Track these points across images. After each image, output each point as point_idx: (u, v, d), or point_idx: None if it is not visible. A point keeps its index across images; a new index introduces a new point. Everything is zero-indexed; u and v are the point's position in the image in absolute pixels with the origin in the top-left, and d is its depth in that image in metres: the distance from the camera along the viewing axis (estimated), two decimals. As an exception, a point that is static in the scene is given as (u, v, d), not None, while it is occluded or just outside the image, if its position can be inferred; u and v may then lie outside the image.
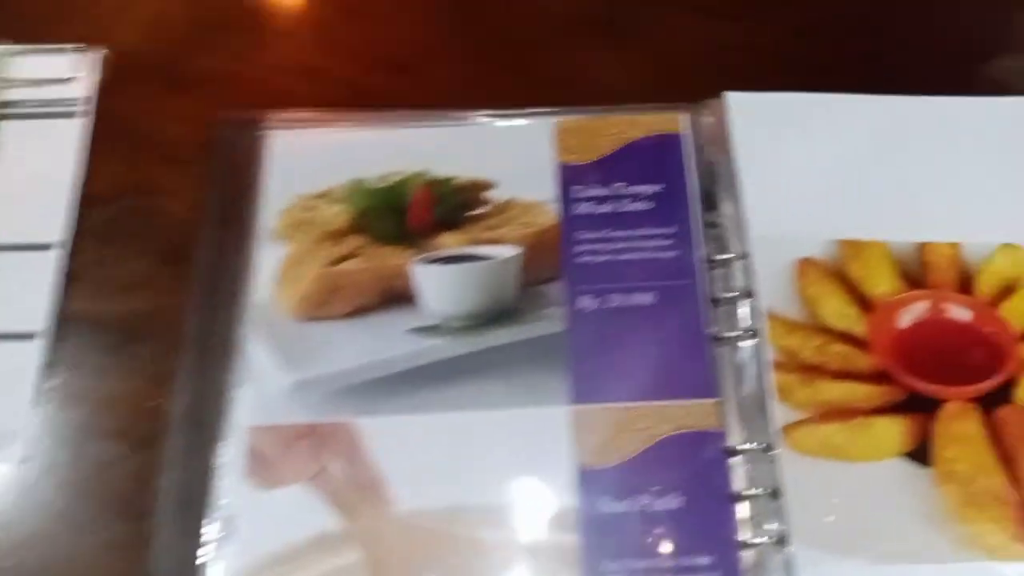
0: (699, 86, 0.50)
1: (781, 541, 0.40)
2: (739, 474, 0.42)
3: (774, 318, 0.45)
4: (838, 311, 0.45)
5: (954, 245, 0.47)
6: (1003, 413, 0.43)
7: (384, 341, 0.44)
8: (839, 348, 0.44)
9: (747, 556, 0.40)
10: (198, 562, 0.40)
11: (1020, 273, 0.46)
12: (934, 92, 0.51)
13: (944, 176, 0.48)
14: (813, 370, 0.44)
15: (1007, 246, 0.47)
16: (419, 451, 0.42)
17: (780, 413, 0.43)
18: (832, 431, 0.43)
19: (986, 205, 0.48)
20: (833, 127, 0.49)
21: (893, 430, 0.43)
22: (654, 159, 0.48)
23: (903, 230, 0.47)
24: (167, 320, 0.46)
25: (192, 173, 0.49)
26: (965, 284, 0.46)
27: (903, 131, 0.49)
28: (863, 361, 0.44)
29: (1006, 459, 0.43)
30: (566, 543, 0.40)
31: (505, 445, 0.42)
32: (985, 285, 0.46)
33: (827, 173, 0.48)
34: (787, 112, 0.49)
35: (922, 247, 0.47)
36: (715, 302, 0.45)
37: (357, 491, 0.41)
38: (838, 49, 0.54)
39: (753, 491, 0.41)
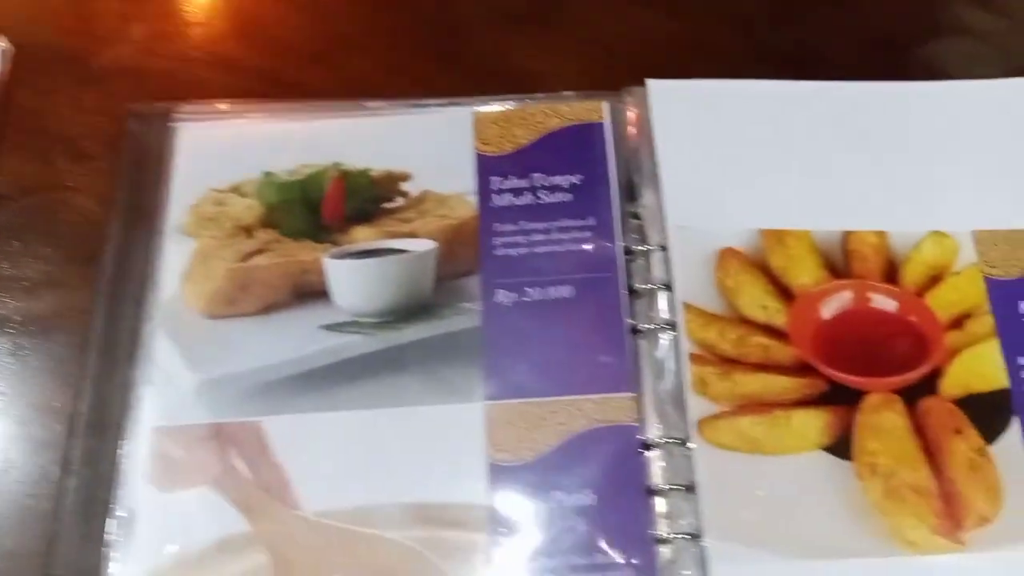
0: (625, 74, 0.49)
1: (696, 536, 0.40)
2: (656, 469, 0.41)
3: (692, 310, 0.44)
4: (758, 302, 0.44)
5: (881, 233, 0.46)
6: (927, 404, 0.43)
7: (295, 338, 0.43)
8: (759, 340, 0.43)
9: (663, 552, 0.39)
10: (100, 565, 0.39)
11: (948, 261, 0.46)
12: (867, 78, 0.50)
13: (871, 163, 0.47)
14: (731, 363, 0.43)
15: (935, 234, 0.46)
16: (329, 450, 0.41)
17: (696, 406, 0.42)
18: (749, 424, 0.42)
19: (915, 192, 0.47)
20: (757, 114, 0.48)
21: (813, 423, 0.42)
22: (574, 149, 0.47)
23: (828, 219, 0.46)
24: (73, 319, 0.44)
25: (101, 169, 0.48)
26: (891, 273, 0.45)
27: (829, 117, 0.48)
28: (783, 353, 0.43)
29: (929, 451, 0.42)
30: (477, 541, 0.39)
31: (417, 443, 0.41)
32: (912, 274, 0.45)
33: (750, 161, 0.47)
34: (710, 99, 0.48)
35: (847, 236, 0.46)
36: (635, 294, 0.45)
37: (263, 492, 0.40)
38: (767, 36, 0.53)
39: (669, 486, 0.40)
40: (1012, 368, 0.43)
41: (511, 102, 0.48)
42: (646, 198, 0.46)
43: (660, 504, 0.40)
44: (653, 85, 0.48)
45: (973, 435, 0.42)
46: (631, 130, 0.48)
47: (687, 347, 0.43)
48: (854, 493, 0.41)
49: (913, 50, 0.53)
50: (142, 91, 0.49)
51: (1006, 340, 0.44)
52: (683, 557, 0.39)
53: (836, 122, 0.48)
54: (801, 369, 0.43)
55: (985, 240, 0.46)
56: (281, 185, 0.46)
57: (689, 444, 0.41)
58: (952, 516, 0.40)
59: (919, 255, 0.45)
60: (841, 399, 0.42)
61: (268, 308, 0.44)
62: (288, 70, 0.50)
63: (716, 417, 0.42)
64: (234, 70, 0.50)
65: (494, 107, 0.48)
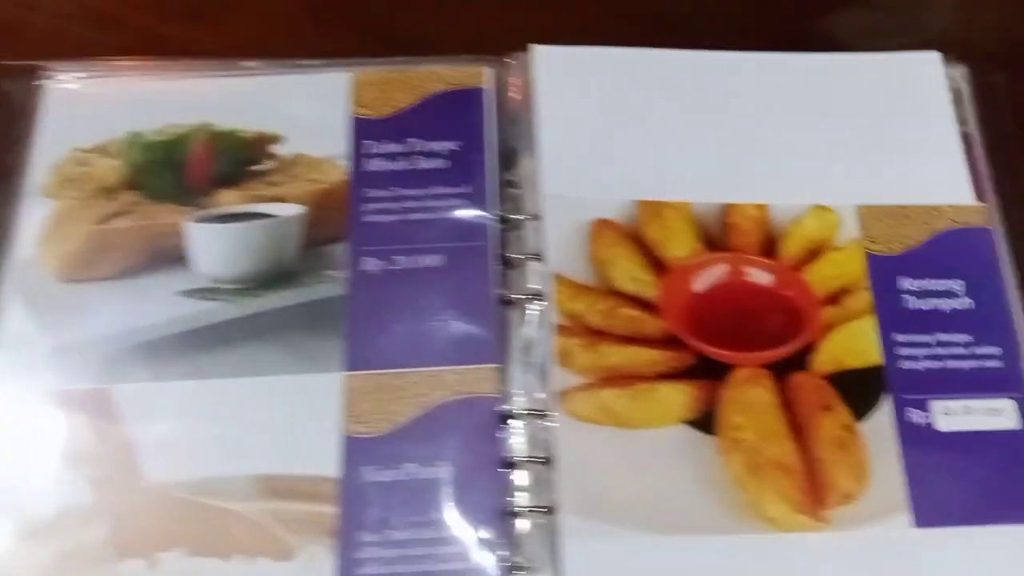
0: (515, 38, 0.48)
1: (552, 511, 0.39)
2: (517, 441, 0.40)
3: (562, 281, 0.42)
4: (630, 274, 0.43)
5: (761, 206, 0.45)
6: (797, 380, 0.42)
7: (151, 304, 0.41)
8: (628, 312, 0.42)
9: (519, 526, 0.38)
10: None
11: (830, 236, 0.45)
12: (767, 49, 0.49)
13: (756, 135, 0.46)
14: (599, 335, 0.42)
15: (818, 208, 0.45)
16: (179, 420, 0.40)
17: (560, 378, 0.41)
18: (612, 396, 0.41)
19: (799, 165, 0.46)
20: (642, 83, 0.47)
21: (677, 396, 0.41)
22: (454, 114, 0.45)
23: (709, 191, 0.45)
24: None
25: (-32, 128, 0.47)
26: (770, 247, 0.44)
27: (716, 88, 0.47)
28: (652, 325, 0.42)
29: (796, 427, 0.41)
30: (324, 514, 0.38)
31: (271, 414, 0.40)
32: (791, 248, 0.44)
33: (633, 130, 0.46)
34: (595, 67, 0.47)
35: (727, 208, 0.45)
36: (509, 264, 0.43)
37: (109, 462, 0.39)
38: (663, 3, 0.51)
39: (527, 458, 0.40)
40: (887, 345, 0.42)
41: (392, 65, 0.47)
42: (524, 166, 0.45)
43: (521, 477, 0.40)
44: (537, 50, 0.47)
45: (842, 412, 0.41)
46: (513, 96, 0.46)
47: (554, 318, 0.42)
48: (716, 468, 0.40)
49: (815, 21, 0.52)
50: (16, 48, 0.48)
51: (883, 316, 0.43)
52: (538, 532, 0.38)
53: (722, 93, 0.47)
54: (669, 342, 0.42)
55: (868, 215, 0.45)
56: (147, 145, 0.44)
57: (549, 416, 0.41)
58: (815, 493, 0.40)
59: (800, 229, 0.44)
60: (709, 373, 0.41)
61: (125, 272, 0.42)
62: (167, 28, 0.49)
63: (578, 389, 0.41)
64: (112, 27, 0.49)
65: (374, 69, 0.46)
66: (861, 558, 0.39)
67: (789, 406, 0.41)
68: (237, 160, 0.44)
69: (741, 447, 0.40)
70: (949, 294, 0.44)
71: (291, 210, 0.43)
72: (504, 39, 0.49)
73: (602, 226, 0.44)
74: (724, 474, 0.40)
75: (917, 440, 0.41)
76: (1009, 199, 0.47)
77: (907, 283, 0.44)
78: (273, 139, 0.45)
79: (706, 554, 0.38)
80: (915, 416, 0.41)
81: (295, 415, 0.40)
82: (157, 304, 0.41)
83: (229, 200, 0.44)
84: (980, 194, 0.46)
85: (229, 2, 0.50)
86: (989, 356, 0.43)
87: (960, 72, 0.49)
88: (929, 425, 0.41)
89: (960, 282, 0.44)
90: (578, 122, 0.45)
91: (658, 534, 0.38)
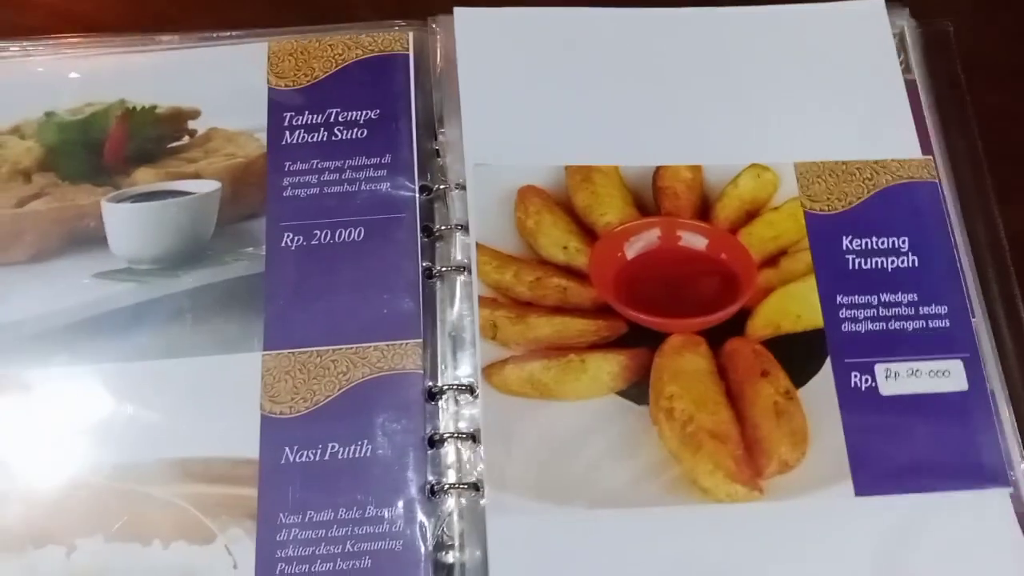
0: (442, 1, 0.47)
1: (477, 487, 0.38)
2: (443, 418, 0.39)
3: (486, 251, 0.41)
4: (559, 243, 0.42)
5: (696, 168, 0.43)
6: (733, 345, 0.40)
7: (65, 287, 0.40)
8: (557, 282, 0.41)
9: (444, 503, 0.38)
10: None
11: (767, 196, 0.43)
12: (698, 3, 0.47)
13: (689, 93, 0.45)
14: (526, 306, 0.40)
15: (755, 167, 0.43)
16: (97, 404, 0.39)
17: (486, 351, 0.39)
18: (540, 368, 0.39)
19: (735, 123, 0.44)
20: (569, 44, 0.45)
21: (608, 366, 0.39)
22: (374, 82, 0.44)
23: (640, 153, 0.43)
24: None
25: None
26: (704, 209, 0.43)
27: (646, 46, 0.45)
28: (582, 295, 0.41)
29: (732, 395, 0.40)
30: (245, 497, 0.37)
31: (188, 396, 0.39)
32: (726, 210, 0.43)
33: (560, 93, 0.44)
34: (520, 29, 0.45)
35: (659, 171, 0.43)
36: (434, 236, 0.42)
37: (21, 450, 0.38)
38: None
39: (452, 435, 0.39)
40: (828, 307, 0.41)
41: (310, 33, 0.45)
42: (448, 134, 0.43)
43: (449, 454, 0.39)
44: (460, 13, 0.45)
45: (781, 377, 0.40)
46: (437, 62, 0.45)
47: (479, 290, 0.41)
48: (648, 439, 0.38)
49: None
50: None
51: (824, 278, 0.42)
52: (465, 509, 0.37)
53: (653, 50, 0.45)
54: (600, 311, 0.40)
55: (807, 173, 0.43)
56: (62, 125, 0.43)
57: (475, 391, 0.39)
58: (752, 462, 0.38)
59: (735, 190, 0.43)
60: (641, 341, 0.40)
61: (40, 256, 0.41)
62: (78, 5, 0.47)
63: (504, 362, 0.39)
64: (23, 6, 0.47)
65: (290, 38, 0.44)
66: (799, 528, 0.38)
67: (725, 373, 0.40)
68: (154, 137, 0.43)
69: (674, 416, 0.39)
70: (893, 252, 0.42)
71: (207, 187, 0.42)
72: (431, 3, 0.47)
73: (528, 193, 0.42)
74: (657, 445, 0.38)
75: (859, 405, 0.39)
76: (956, 150, 0.45)
77: (849, 242, 0.42)
78: (191, 114, 0.43)
79: (638, 527, 0.37)
80: (858, 380, 0.40)
81: (214, 397, 0.39)
82: (71, 287, 0.40)
83: (147, 178, 0.42)
84: (925, 146, 0.44)
85: (146, -25, 0.49)
86: (936, 315, 0.41)
87: (904, 18, 0.48)
88: (872, 389, 0.40)
89: (905, 239, 0.42)
90: (503, 86, 0.44)
91: (587, 508, 0.37)
